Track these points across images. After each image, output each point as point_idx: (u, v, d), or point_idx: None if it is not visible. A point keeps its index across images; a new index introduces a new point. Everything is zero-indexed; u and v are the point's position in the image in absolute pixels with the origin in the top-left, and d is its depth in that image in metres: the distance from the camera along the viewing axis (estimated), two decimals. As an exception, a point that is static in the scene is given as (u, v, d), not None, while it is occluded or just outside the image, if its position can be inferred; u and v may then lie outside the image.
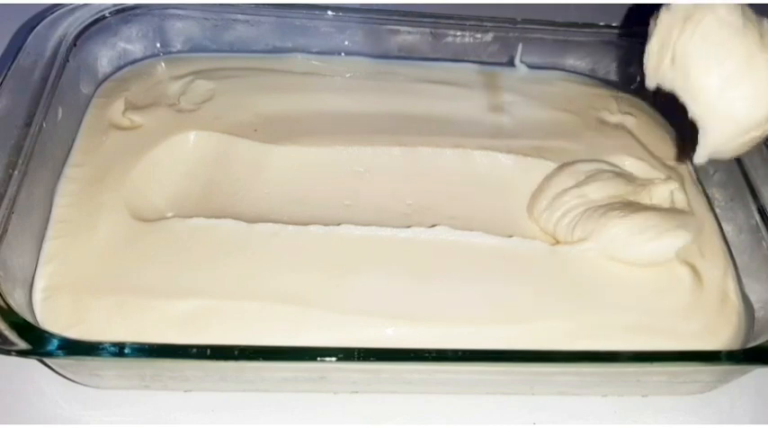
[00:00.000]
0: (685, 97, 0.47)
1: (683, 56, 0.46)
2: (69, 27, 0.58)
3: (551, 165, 0.58)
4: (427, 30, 0.66)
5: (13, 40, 0.68)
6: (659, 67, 0.48)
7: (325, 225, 0.51)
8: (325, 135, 0.59)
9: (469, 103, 0.64)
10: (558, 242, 0.54)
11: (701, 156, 0.48)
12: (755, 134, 0.47)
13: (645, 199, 0.55)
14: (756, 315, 0.52)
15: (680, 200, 0.56)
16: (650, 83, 0.49)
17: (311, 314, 0.47)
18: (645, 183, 0.56)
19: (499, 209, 0.57)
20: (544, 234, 0.55)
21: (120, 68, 0.63)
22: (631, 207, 0.54)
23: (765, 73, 0.45)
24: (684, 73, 0.47)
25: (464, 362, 0.43)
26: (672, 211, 0.54)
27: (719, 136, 0.47)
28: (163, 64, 0.64)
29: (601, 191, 0.54)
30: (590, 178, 0.56)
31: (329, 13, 0.64)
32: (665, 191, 0.55)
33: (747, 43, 0.45)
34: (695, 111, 0.47)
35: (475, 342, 0.46)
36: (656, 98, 0.66)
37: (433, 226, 0.52)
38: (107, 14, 0.60)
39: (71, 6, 0.59)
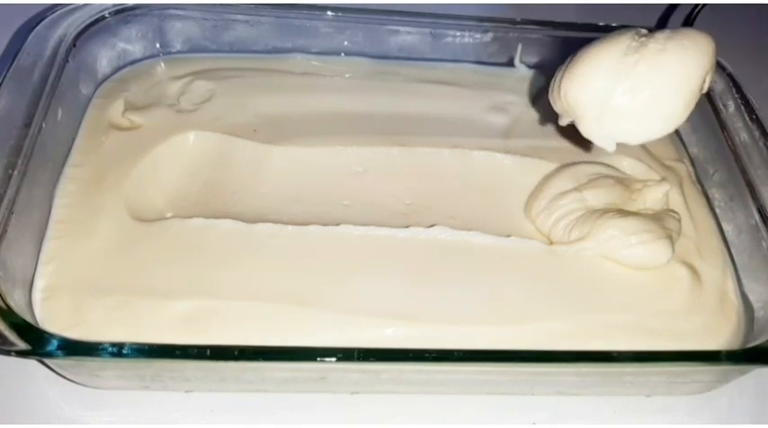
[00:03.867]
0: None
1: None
2: (69, 27, 0.58)
3: (550, 166, 0.58)
4: (427, 30, 0.66)
5: (12, 41, 0.69)
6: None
7: (325, 225, 0.51)
8: (325, 135, 0.59)
9: (469, 103, 0.64)
10: (552, 243, 0.54)
11: (597, 141, 0.49)
12: (613, 102, 0.47)
13: (640, 202, 0.55)
14: (756, 315, 0.52)
15: (675, 202, 0.56)
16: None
17: (311, 314, 0.47)
18: (641, 188, 0.56)
19: (498, 209, 0.57)
20: (541, 234, 0.55)
21: (119, 69, 0.63)
22: (628, 211, 0.54)
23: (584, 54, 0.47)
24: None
25: (464, 362, 0.43)
26: (665, 218, 0.54)
27: (582, 125, 0.49)
28: (162, 64, 0.64)
29: (600, 198, 0.54)
30: (591, 182, 0.56)
31: (329, 13, 0.64)
32: (658, 193, 0.55)
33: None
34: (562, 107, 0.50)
35: (474, 342, 0.46)
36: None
37: (432, 226, 0.52)
38: (107, 15, 0.60)
39: (71, 7, 0.59)
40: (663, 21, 0.59)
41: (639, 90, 0.47)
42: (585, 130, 0.49)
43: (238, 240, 0.50)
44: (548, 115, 0.64)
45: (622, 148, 0.60)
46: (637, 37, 0.48)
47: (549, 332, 0.48)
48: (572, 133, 0.61)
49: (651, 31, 0.49)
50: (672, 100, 0.47)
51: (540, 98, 0.65)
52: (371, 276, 0.49)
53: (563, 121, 0.51)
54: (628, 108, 0.47)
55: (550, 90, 0.51)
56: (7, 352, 0.41)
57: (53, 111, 0.53)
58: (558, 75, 0.50)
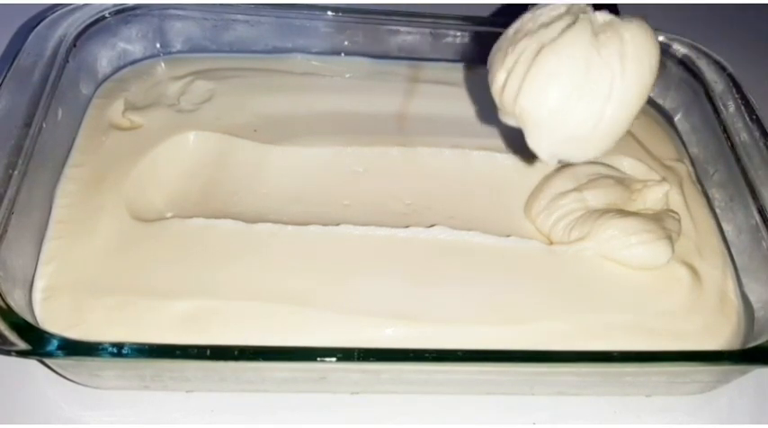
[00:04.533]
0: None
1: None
2: (69, 27, 0.57)
3: (550, 166, 0.58)
4: (427, 30, 0.66)
5: (13, 41, 0.69)
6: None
7: (325, 225, 0.51)
8: (325, 135, 0.59)
9: (469, 103, 0.64)
10: (552, 243, 0.54)
11: (541, 156, 0.48)
12: (566, 130, 0.46)
13: (640, 202, 0.55)
14: (756, 315, 0.52)
15: (675, 202, 0.56)
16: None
17: (311, 314, 0.47)
18: (641, 188, 0.56)
19: (498, 209, 0.57)
20: (541, 234, 0.55)
21: (119, 69, 0.63)
22: (628, 211, 0.54)
23: (538, 65, 0.45)
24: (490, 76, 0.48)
25: (464, 362, 0.43)
26: (665, 219, 0.54)
27: (529, 139, 0.47)
28: (162, 64, 0.64)
29: (600, 198, 0.54)
30: (591, 182, 0.56)
31: (329, 13, 0.64)
32: (658, 193, 0.56)
33: (527, 43, 0.45)
34: (503, 120, 0.48)
35: (474, 342, 0.45)
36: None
37: (432, 226, 0.52)
38: (107, 15, 0.60)
39: (71, 7, 0.59)
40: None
41: (601, 118, 0.45)
42: (533, 143, 0.47)
43: (238, 240, 0.50)
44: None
45: (622, 148, 0.60)
46: (594, 41, 0.45)
47: (549, 332, 0.48)
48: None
49: (595, 11, 0.47)
50: (627, 122, 0.46)
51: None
52: (371, 276, 0.49)
53: (506, 121, 0.49)
54: (587, 133, 0.46)
55: (496, 84, 0.47)
56: (7, 352, 0.41)
57: (53, 111, 0.53)
58: (503, 72, 0.46)
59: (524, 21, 0.47)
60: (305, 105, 0.62)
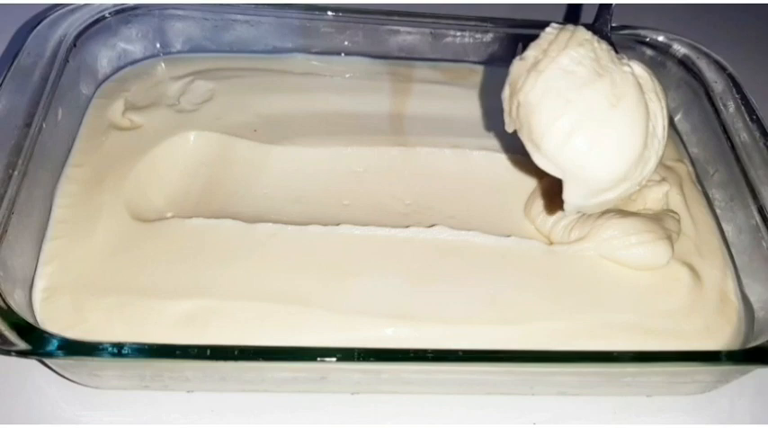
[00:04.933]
0: (529, 148, 0.48)
1: (526, 105, 0.46)
2: (69, 27, 0.58)
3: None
4: (427, 30, 0.66)
5: (13, 40, 0.69)
6: (511, 114, 0.48)
7: (325, 225, 0.51)
8: (325, 135, 0.59)
9: (469, 103, 0.64)
10: (552, 243, 0.54)
11: (567, 208, 0.48)
12: (610, 196, 0.47)
13: (640, 202, 0.55)
14: (756, 315, 0.52)
15: (675, 202, 0.56)
16: (508, 128, 0.49)
17: (311, 314, 0.47)
18: (641, 188, 0.56)
19: (498, 209, 0.57)
20: (541, 234, 0.55)
21: (119, 69, 0.63)
22: (628, 211, 0.54)
23: (610, 129, 0.45)
24: (527, 124, 0.47)
25: (464, 362, 0.43)
26: (665, 219, 0.54)
27: (570, 194, 0.47)
28: (163, 64, 0.64)
29: None
30: None
31: (329, 13, 0.64)
32: (658, 194, 0.56)
33: (592, 95, 0.45)
34: (540, 163, 0.47)
35: (474, 342, 0.46)
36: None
37: (432, 226, 0.52)
38: (107, 15, 0.60)
39: (71, 7, 0.59)
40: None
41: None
42: (570, 196, 0.47)
43: (238, 240, 0.50)
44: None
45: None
46: (647, 107, 0.46)
47: (549, 332, 0.48)
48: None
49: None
50: None
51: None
52: (371, 276, 0.49)
53: (543, 166, 0.47)
54: (623, 196, 0.48)
55: (556, 133, 0.45)
56: (7, 352, 0.41)
57: (53, 111, 0.53)
58: (565, 122, 0.45)
59: (571, 62, 0.45)
60: (305, 105, 0.62)
